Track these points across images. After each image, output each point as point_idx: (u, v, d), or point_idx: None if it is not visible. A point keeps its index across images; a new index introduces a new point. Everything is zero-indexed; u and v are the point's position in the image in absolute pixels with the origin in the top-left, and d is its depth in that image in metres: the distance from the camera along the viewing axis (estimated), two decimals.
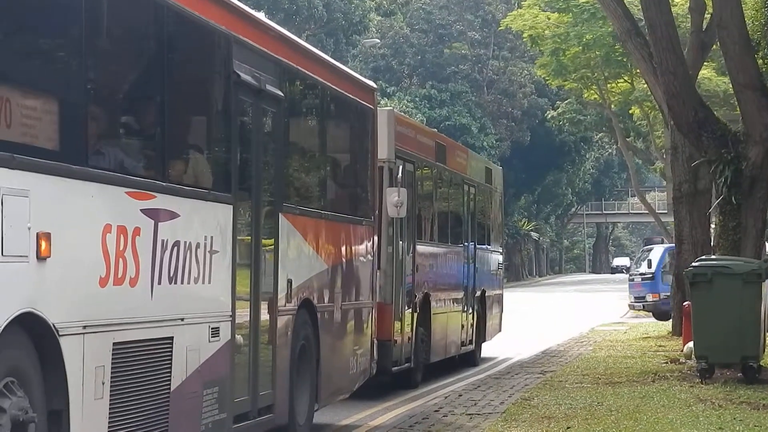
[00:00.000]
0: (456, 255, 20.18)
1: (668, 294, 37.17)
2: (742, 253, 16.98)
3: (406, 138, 17.01)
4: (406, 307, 16.68)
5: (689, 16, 24.23)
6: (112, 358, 7.42)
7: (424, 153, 18.10)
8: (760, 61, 18.73)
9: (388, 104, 56.76)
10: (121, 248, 7.54)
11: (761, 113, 17.28)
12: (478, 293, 21.56)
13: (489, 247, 23.12)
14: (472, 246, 21.26)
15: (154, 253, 8.01)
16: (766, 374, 15.71)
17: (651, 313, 37.87)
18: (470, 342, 20.96)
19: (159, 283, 8.07)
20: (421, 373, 17.63)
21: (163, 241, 8.13)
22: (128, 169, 7.84)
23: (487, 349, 23.05)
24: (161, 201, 8.14)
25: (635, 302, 38.54)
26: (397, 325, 16.17)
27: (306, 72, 11.70)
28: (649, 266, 37.83)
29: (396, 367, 16.13)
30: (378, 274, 14.94)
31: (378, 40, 66.94)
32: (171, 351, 8.30)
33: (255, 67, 10.12)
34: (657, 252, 39.26)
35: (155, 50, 8.40)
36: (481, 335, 21.91)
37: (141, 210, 7.87)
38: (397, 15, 69.69)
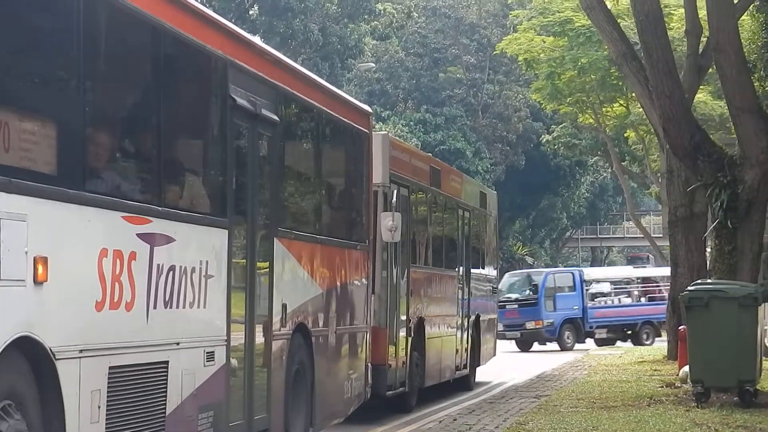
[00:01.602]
0: (450, 279, 20.15)
1: (552, 321, 36.49)
2: (738, 276, 16.97)
3: (400, 162, 17.01)
4: (401, 332, 16.64)
5: (685, 39, 24.27)
6: (108, 382, 7.41)
7: (418, 177, 18.10)
8: (756, 84, 18.78)
9: (383, 128, 56.77)
10: (117, 273, 7.55)
11: (758, 136, 17.30)
12: (473, 317, 21.53)
13: (483, 271, 23.10)
14: (467, 270, 21.23)
15: (149, 278, 8.02)
16: (762, 398, 15.67)
17: (516, 342, 36.21)
18: (465, 366, 20.92)
19: (155, 307, 8.08)
20: (416, 397, 17.58)
21: (158, 265, 8.14)
22: (125, 194, 7.86)
23: (482, 374, 23.00)
24: (157, 225, 8.16)
25: (507, 330, 35.88)
26: (392, 349, 16.14)
27: (302, 96, 11.72)
28: (534, 291, 36.92)
29: (390, 391, 16.09)
30: (372, 298, 14.94)
31: (373, 64, 66.97)
32: (166, 375, 8.29)
33: (251, 91, 10.14)
34: (537, 277, 38.39)
35: (152, 74, 8.42)
36: (475, 359, 21.87)
37: (137, 234, 7.88)
38: (393, 39, 69.73)
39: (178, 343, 8.49)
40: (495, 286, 24.75)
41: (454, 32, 74.94)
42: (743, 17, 22.46)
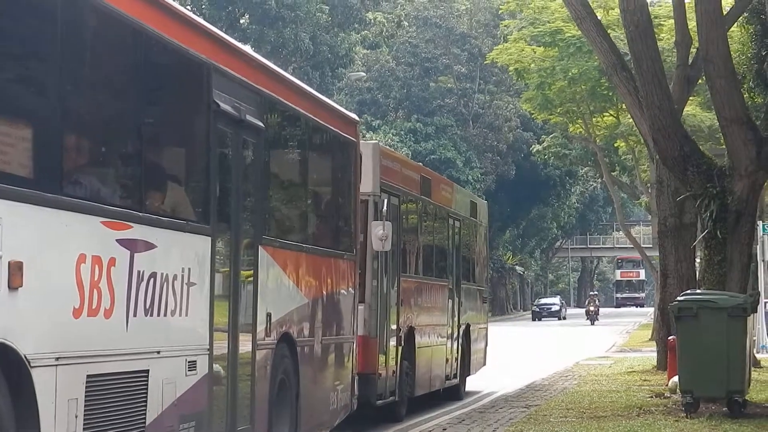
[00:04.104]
0: (441, 289, 20.08)
1: None
2: (727, 287, 16.93)
3: (391, 171, 16.95)
4: (391, 341, 16.57)
5: (675, 50, 24.25)
6: (86, 391, 7.27)
7: (409, 186, 18.03)
8: (745, 95, 18.75)
9: (374, 138, 56.71)
10: (96, 279, 7.41)
11: (747, 147, 17.27)
12: (463, 327, 21.46)
13: (474, 280, 23.03)
14: (457, 280, 21.17)
15: (129, 285, 7.88)
16: (751, 409, 15.67)
17: None
18: (455, 376, 20.84)
19: (135, 314, 7.94)
20: (406, 406, 17.50)
21: (139, 272, 8.01)
22: (104, 199, 7.73)
23: (472, 383, 22.93)
24: (138, 231, 8.02)
25: None
26: (382, 358, 16.06)
27: (288, 103, 11.59)
28: None
29: (380, 400, 16.01)
30: (362, 307, 14.90)
31: (364, 74, 67.02)
32: (146, 384, 8.16)
33: (235, 96, 10.00)
34: None
35: (133, 78, 8.29)
36: (465, 369, 21.80)
37: (117, 240, 7.74)
38: (383, 48, 69.74)
39: (158, 352, 8.35)
40: (485, 296, 24.67)
41: (445, 42, 75.00)
42: (732, 28, 22.44)
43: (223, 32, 10.57)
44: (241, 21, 56.28)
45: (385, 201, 16.13)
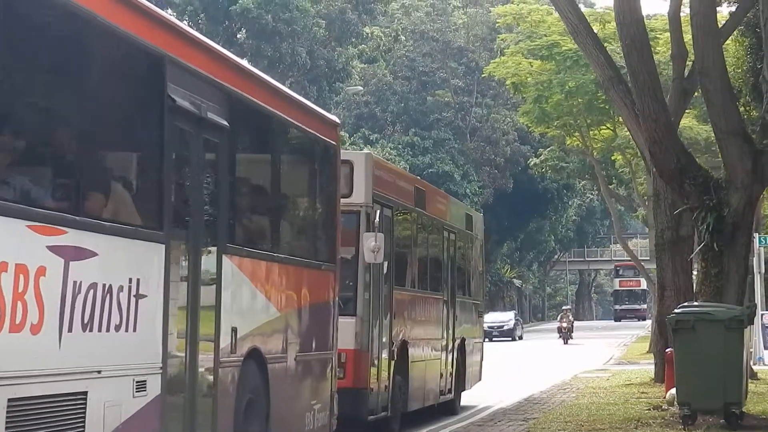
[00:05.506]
0: (435, 302, 19.97)
1: None
2: (724, 299, 16.88)
3: (384, 182, 16.84)
4: (383, 354, 16.45)
5: (671, 63, 24.22)
6: (7, 417, 6.55)
7: (402, 198, 17.93)
8: (741, 108, 18.73)
9: (372, 151, 56.62)
10: (21, 290, 6.68)
11: (743, 160, 17.24)
12: (458, 341, 21.35)
13: (469, 294, 22.94)
14: (452, 293, 21.06)
15: (63, 297, 7.14)
16: (748, 421, 15.63)
17: None
18: (449, 390, 20.72)
19: (69, 330, 7.20)
20: (399, 422, 17.36)
21: (75, 282, 7.27)
22: (33, 201, 7.02)
23: (469, 397, 22.82)
24: (73, 237, 7.28)
25: None
26: (374, 372, 15.91)
27: (257, 101, 10.77)
28: None
29: (372, 416, 15.87)
30: (353, 320, 14.78)
31: (361, 88, 66.96)
32: (84, 408, 7.43)
33: (195, 92, 9.26)
34: None
35: (75, 68, 7.58)
36: (460, 384, 21.67)
37: (47, 247, 7.00)
38: (380, 62, 69.78)
39: (99, 372, 7.61)
40: (481, 309, 24.57)
41: (442, 56, 75.06)
42: (728, 42, 22.40)
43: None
44: (238, 36, 56.31)
45: (378, 212, 16.01)
